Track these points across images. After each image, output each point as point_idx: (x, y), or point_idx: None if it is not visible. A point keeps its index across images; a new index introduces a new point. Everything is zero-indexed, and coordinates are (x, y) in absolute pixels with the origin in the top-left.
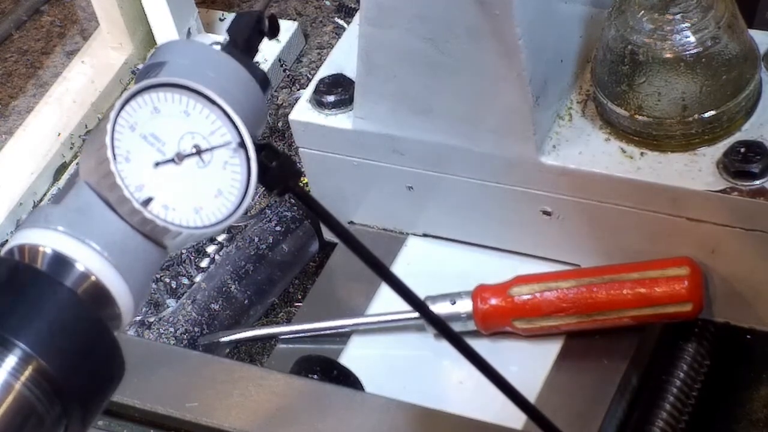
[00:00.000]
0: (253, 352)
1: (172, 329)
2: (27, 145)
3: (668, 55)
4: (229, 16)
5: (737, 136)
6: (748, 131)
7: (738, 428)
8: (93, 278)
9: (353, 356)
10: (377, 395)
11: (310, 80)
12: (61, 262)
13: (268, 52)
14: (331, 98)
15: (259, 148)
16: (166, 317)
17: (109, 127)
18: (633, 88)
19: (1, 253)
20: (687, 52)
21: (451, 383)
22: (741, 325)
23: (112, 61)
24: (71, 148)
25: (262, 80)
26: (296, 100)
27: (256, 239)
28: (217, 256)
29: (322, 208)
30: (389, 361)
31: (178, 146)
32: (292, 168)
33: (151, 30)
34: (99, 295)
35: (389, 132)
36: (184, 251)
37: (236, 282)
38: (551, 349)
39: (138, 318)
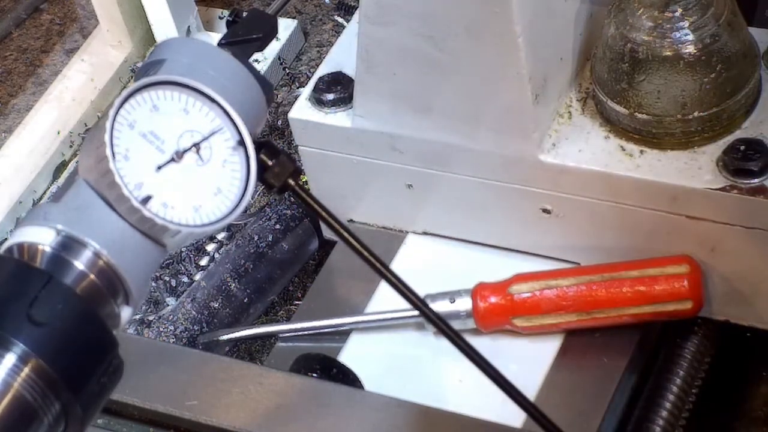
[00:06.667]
0: (253, 351)
1: (171, 327)
2: (26, 143)
3: (668, 53)
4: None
5: (737, 134)
6: (748, 129)
7: (738, 426)
8: (92, 277)
9: (353, 354)
10: (377, 393)
11: (309, 78)
12: (60, 260)
13: (267, 51)
14: (330, 96)
15: (259, 146)
16: (166, 315)
17: (108, 125)
18: (633, 86)
19: (0, 251)
20: (686, 50)
21: (450, 381)
22: (741, 323)
23: (112, 59)
24: (71, 146)
25: (265, 87)
26: (296, 98)
27: (256, 237)
28: (216, 255)
29: (321, 206)
30: (389, 359)
31: (177, 144)
32: (291, 166)
33: (150, 28)
34: (98, 293)
35: (389, 130)
36: (183, 249)
37: (236, 280)
38: (551, 347)
39: (138, 316)
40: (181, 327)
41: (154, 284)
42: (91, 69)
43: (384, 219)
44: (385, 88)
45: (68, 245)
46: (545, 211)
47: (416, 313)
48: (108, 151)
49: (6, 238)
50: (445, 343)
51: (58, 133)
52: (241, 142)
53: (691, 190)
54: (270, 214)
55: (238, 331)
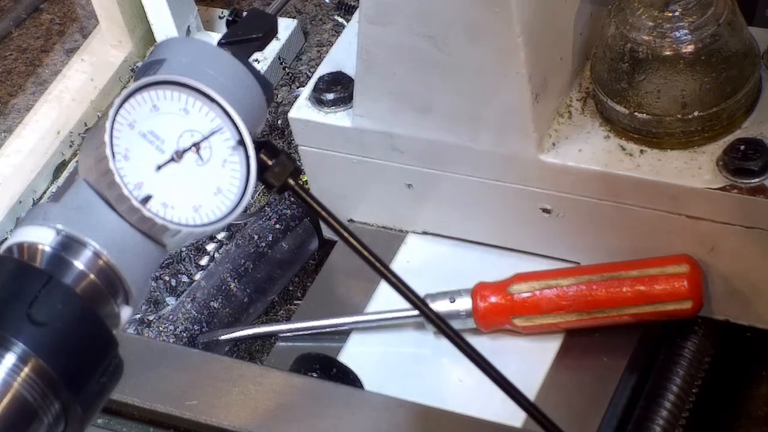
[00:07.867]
0: (253, 350)
1: (171, 327)
2: (26, 143)
3: (668, 53)
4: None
5: (737, 134)
6: (748, 129)
7: (738, 425)
8: (92, 276)
9: (352, 354)
10: (376, 393)
11: (309, 78)
12: (60, 260)
13: (267, 50)
14: (330, 96)
15: (259, 145)
16: (166, 315)
17: (108, 124)
18: (632, 86)
19: (0, 251)
20: (686, 50)
21: (450, 381)
22: (741, 323)
23: (112, 58)
24: (71, 146)
25: (265, 87)
26: (296, 97)
27: (256, 237)
28: (216, 254)
29: (321, 205)
30: (388, 358)
31: (177, 144)
32: (291, 166)
33: (150, 28)
34: (98, 293)
35: (389, 130)
36: (183, 249)
37: (236, 280)
38: (551, 346)
39: (137, 316)
40: (181, 327)
41: (154, 284)
42: (91, 69)
43: (384, 219)
44: (385, 88)
45: (68, 245)
46: (545, 210)
47: (416, 313)
48: (108, 151)
49: (6, 238)
50: (445, 343)
51: (58, 133)
52: (241, 142)
53: (691, 190)
54: (270, 214)
55: (238, 331)
